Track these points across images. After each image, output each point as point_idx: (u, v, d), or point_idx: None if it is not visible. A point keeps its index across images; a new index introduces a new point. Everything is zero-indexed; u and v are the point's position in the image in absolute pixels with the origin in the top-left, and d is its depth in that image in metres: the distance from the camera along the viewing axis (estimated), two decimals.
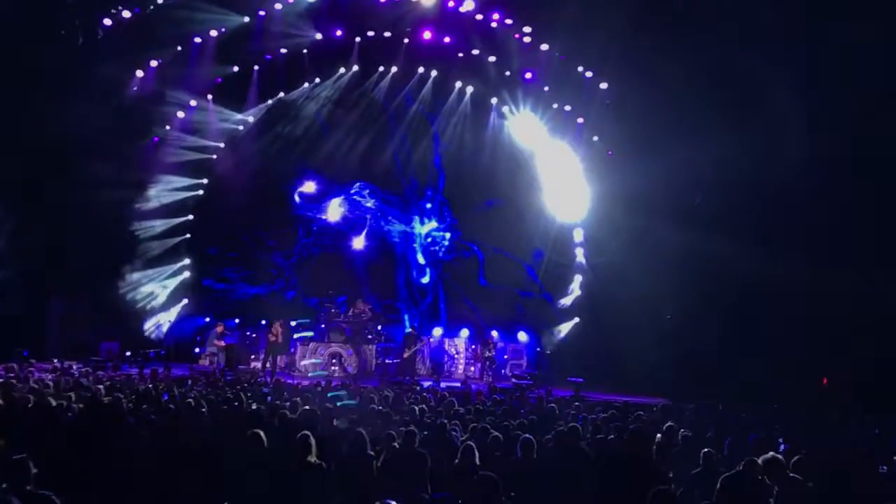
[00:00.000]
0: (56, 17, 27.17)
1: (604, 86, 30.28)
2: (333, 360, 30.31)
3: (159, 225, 32.19)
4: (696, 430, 14.35)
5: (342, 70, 33.26)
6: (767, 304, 25.92)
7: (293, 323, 31.41)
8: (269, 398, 17.72)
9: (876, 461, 12.29)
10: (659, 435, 13.76)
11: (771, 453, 10.47)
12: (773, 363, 24.67)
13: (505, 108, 32.69)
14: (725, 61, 24.95)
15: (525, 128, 32.36)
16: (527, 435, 11.62)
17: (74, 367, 24.71)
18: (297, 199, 34.23)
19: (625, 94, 29.22)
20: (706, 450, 11.82)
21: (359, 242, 34.02)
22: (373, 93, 33.51)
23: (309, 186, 34.10)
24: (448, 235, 34.29)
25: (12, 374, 20.43)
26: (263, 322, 31.00)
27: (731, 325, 26.02)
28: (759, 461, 10.18)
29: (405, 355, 30.08)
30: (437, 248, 34.35)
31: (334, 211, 34.26)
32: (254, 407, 15.53)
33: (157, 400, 15.90)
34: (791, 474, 9.54)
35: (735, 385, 23.31)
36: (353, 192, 34.25)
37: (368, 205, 34.28)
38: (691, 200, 27.67)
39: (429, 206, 34.44)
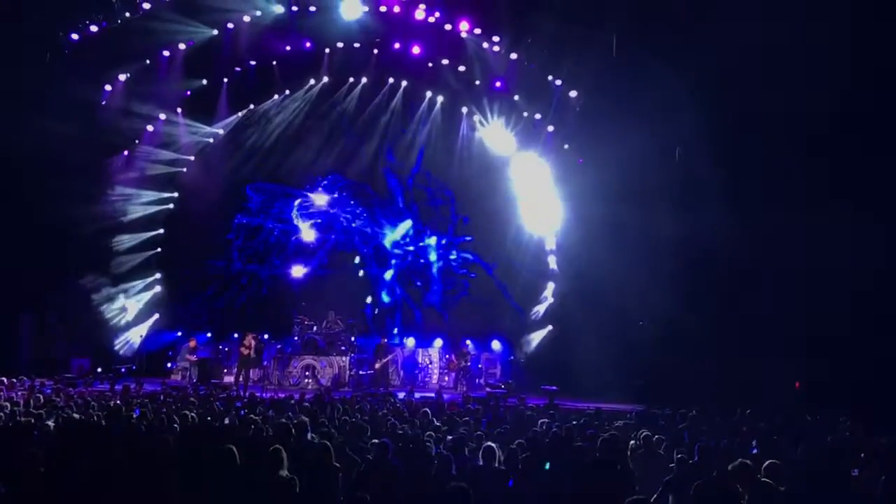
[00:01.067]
0: (22, 35, 26.99)
1: (573, 94, 30.39)
2: (307, 373, 30.23)
3: (130, 239, 32.06)
4: (671, 437, 14.43)
5: (312, 81, 33.22)
6: (745, 298, 26.01)
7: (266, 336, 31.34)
8: (242, 412, 17.66)
9: (849, 463, 12.37)
10: (633, 441, 13.84)
11: (740, 459, 10.54)
12: (748, 366, 24.77)
13: (476, 118, 32.70)
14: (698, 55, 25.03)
15: (496, 137, 32.40)
16: (488, 443, 11.70)
17: (46, 384, 24.51)
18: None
19: (595, 100, 29.37)
20: (679, 455, 11.89)
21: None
22: (343, 103, 33.46)
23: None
24: (433, 242, 34.21)
25: None
26: (236, 335, 30.90)
27: (708, 325, 26.12)
28: (730, 467, 10.24)
29: (376, 366, 30.07)
30: (402, 252, 34.28)
31: (307, 232, 34.23)
32: (226, 421, 15.47)
33: (128, 416, 15.82)
34: (763, 479, 9.59)
35: (710, 390, 23.36)
36: (323, 182, 34.17)
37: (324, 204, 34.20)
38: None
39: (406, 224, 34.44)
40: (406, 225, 34.24)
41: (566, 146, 31.35)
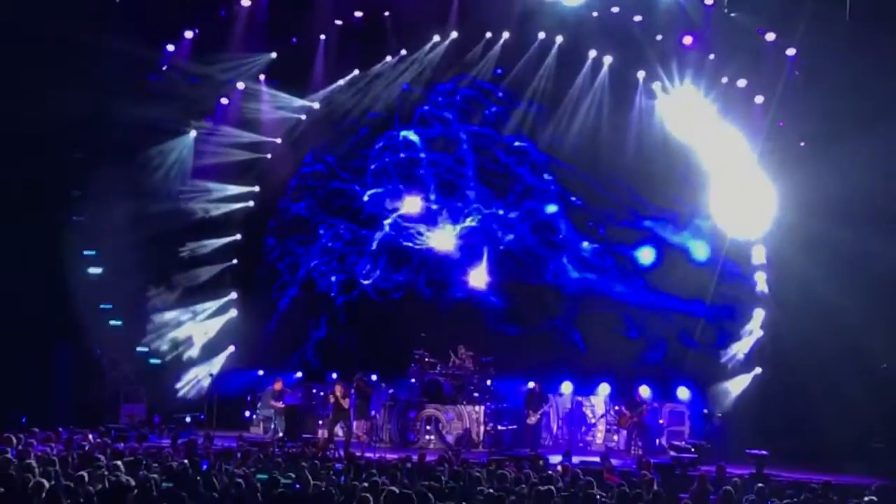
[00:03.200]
0: None
1: (791, 52, 29.88)
2: (428, 427, 30.36)
3: (197, 248, 32.66)
4: None
5: (437, 38, 33.46)
6: None
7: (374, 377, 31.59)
8: (342, 477, 17.83)
9: None
10: None
11: None
12: None
13: (656, 85, 32.35)
14: None
15: (684, 111, 31.97)
16: None
17: (88, 437, 25.07)
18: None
19: (821, 64, 28.80)
20: None
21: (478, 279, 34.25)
22: (478, 66, 33.53)
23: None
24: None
25: (8, 448, 20.80)
26: (334, 375, 31.17)
27: None
28: None
29: (530, 420, 29.99)
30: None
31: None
32: (322, 489, 15.62)
33: (194, 480, 16.09)
34: None
35: None
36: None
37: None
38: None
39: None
40: None
41: (780, 124, 30.75)
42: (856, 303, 26.64)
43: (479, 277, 34.01)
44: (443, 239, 34.41)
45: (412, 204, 34.52)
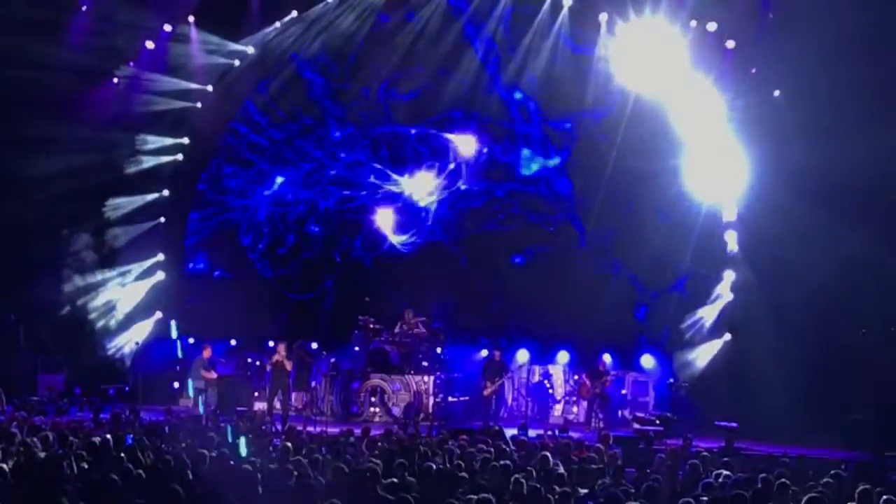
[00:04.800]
0: None
1: None
2: (373, 399, 30.37)
3: (118, 206, 32.43)
4: None
5: None
6: None
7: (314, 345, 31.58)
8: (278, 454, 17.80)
9: None
10: None
11: None
12: None
13: (619, 27, 32.25)
14: None
15: (650, 57, 31.93)
16: None
17: (3, 410, 24.96)
18: None
19: (801, 7, 28.85)
20: None
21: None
22: (425, 8, 33.40)
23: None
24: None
25: None
26: (271, 343, 31.10)
27: None
28: None
29: (487, 391, 30.07)
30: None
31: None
32: (258, 465, 15.59)
33: (118, 456, 16.00)
34: None
35: None
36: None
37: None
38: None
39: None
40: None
41: (753, 70, 30.80)
42: (832, 260, 26.75)
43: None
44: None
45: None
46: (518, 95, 33.88)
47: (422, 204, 34.40)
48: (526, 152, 34.19)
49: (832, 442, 25.37)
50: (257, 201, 35.38)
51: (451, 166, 34.20)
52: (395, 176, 34.51)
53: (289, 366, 28.75)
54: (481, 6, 33.02)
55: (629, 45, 31.95)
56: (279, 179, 35.30)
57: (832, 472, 17.80)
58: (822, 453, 22.87)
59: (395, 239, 34.31)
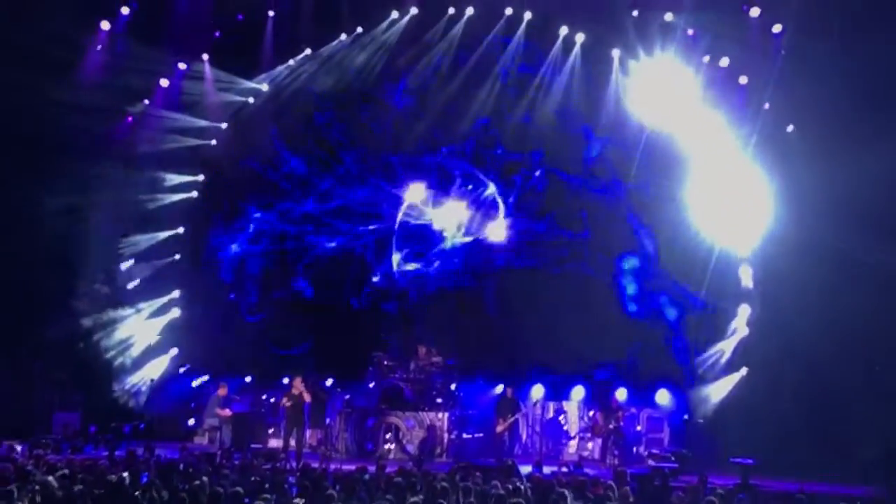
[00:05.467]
0: None
1: (777, 29, 29.98)
2: (388, 436, 30.35)
3: (135, 242, 32.51)
4: None
5: (395, 14, 33.41)
6: None
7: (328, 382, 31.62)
8: (294, 489, 17.81)
9: None
10: None
11: None
12: None
13: (632, 64, 32.33)
14: None
15: (663, 92, 31.98)
16: None
17: (16, 448, 24.96)
18: None
19: (811, 42, 28.89)
20: None
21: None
22: (440, 44, 33.55)
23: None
24: None
25: None
26: (286, 380, 31.13)
27: None
28: None
29: (500, 428, 30.03)
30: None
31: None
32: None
33: (135, 495, 16.04)
34: None
35: None
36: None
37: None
38: None
39: None
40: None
41: (766, 105, 30.83)
42: (847, 298, 26.76)
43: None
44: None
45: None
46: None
47: (448, 238, 34.45)
48: None
49: (847, 478, 25.31)
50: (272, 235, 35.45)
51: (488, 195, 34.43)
52: (423, 207, 34.68)
53: (307, 397, 28.63)
54: (494, 43, 33.10)
55: (642, 82, 32.06)
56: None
57: None
58: (838, 489, 22.79)
59: (408, 266, 34.39)
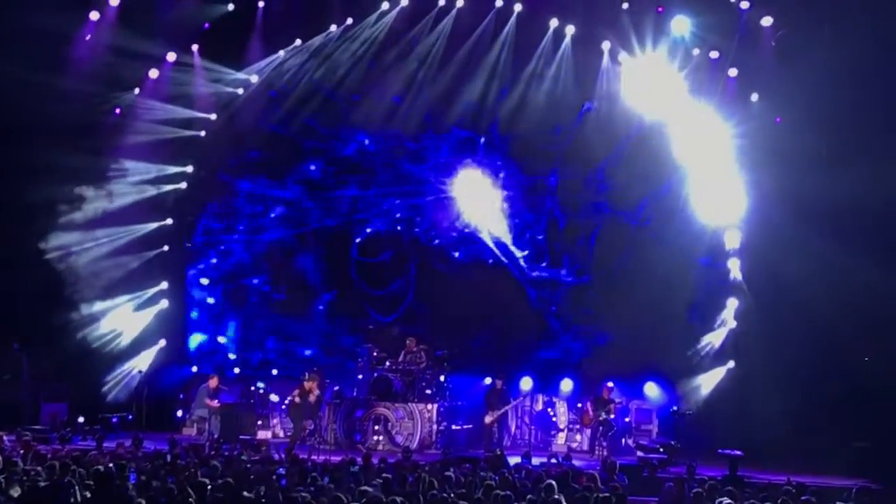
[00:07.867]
0: None
1: (767, 21, 29.97)
2: (377, 428, 30.33)
3: (124, 233, 32.44)
4: None
5: (385, 6, 33.34)
6: None
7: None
8: (283, 481, 17.81)
9: None
10: None
11: None
12: None
13: (622, 56, 32.31)
14: None
15: (653, 85, 31.97)
16: None
17: (4, 439, 24.91)
18: None
19: (802, 35, 28.90)
20: None
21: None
22: (430, 36, 33.48)
23: None
24: None
25: None
26: (274, 372, 31.09)
27: None
28: None
29: (489, 419, 30.05)
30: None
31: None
32: (262, 494, 15.61)
33: (122, 486, 16.01)
34: None
35: None
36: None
37: None
38: None
39: None
40: None
41: (755, 96, 30.84)
42: (838, 289, 26.80)
43: None
44: None
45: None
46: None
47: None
48: None
49: (836, 469, 25.37)
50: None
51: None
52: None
53: (313, 398, 28.52)
54: (484, 35, 33.04)
55: (632, 73, 32.05)
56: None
57: (836, 502, 17.88)
58: (826, 481, 22.83)
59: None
